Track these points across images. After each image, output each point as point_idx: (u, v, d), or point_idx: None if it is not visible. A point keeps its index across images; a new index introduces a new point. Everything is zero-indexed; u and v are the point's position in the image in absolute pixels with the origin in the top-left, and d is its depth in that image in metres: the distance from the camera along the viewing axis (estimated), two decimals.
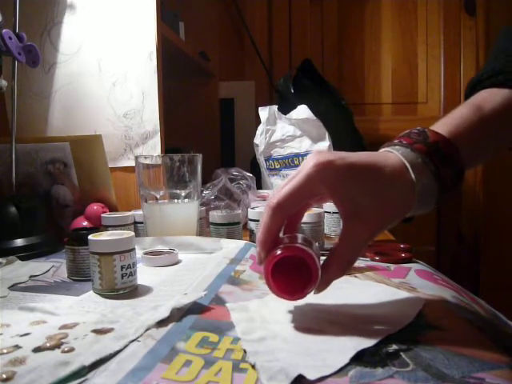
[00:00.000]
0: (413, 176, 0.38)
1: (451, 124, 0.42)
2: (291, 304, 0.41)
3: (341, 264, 0.38)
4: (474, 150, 0.42)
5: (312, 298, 0.42)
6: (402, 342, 0.33)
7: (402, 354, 0.31)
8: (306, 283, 0.36)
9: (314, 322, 0.37)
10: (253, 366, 0.30)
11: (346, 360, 0.30)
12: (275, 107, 0.95)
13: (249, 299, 0.43)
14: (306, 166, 0.37)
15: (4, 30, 0.64)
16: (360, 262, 0.56)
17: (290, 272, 0.36)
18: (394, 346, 0.32)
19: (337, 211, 0.74)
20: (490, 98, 0.46)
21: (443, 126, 0.42)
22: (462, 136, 0.41)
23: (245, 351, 0.32)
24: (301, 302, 0.41)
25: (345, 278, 0.49)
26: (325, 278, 0.37)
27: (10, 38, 0.64)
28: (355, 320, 0.37)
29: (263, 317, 0.38)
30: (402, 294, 0.43)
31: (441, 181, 0.39)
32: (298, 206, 0.39)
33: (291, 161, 0.94)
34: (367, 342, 0.32)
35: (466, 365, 0.29)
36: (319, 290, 0.38)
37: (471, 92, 0.50)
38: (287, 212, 0.38)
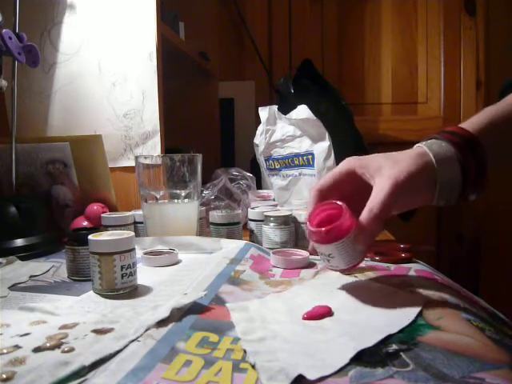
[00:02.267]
0: (433, 159, 0.43)
1: (477, 121, 0.46)
2: (291, 304, 0.41)
3: (373, 213, 0.41)
4: (497, 145, 0.46)
5: (312, 298, 0.42)
6: (401, 342, 0.33)
7: (401, 354, 0.31)
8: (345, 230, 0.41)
9: (313, 322, 0.37)
10: (253, 366, 0.30)
11: (346, 360, 0.30)
12: (275, 107, 0.95)
13: (249, 299, 0.43)
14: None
15: (4, 30, 0.64)
16: None
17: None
18: (394, 346, 0.32)
19: None
20: None
21: (469, 123, 0.46)
22: (487, 130, 0.45)
23: (245, 351, 0.32)
24: (301, 302, 0.41)
25: (345, 278, 0.49)
26: (360, 227, 0.41)
27: (10, 38, 0.64)
28: (355, 320, 0.37)
29: (263, 317, 0.38)
30: (402, 294, 0.43)
31: (463, 168, 0.42)
32: (332, 186, 0.46)
33: (291, 161, 0.94)
34: (367, 342, 0.32)
35: (466, 365, 0.29)
36: (357, 239, 0.42)
37: (503, 94, 0.52)
38: (324, 191, 0.45)
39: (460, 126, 0.46)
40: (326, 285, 0.47)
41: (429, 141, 0.46)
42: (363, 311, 0.39)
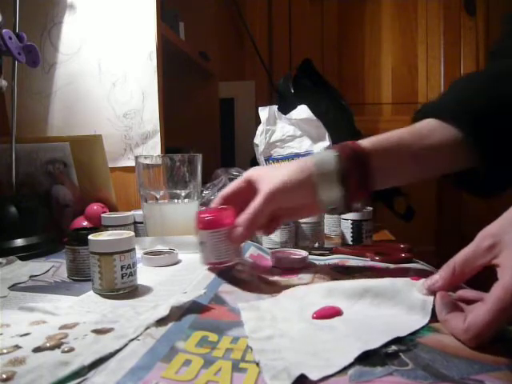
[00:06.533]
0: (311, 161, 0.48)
1: (376, 139, 0.52)
2: (302, 303, 0.41)
3: (246, 216, 0.48)
4: (386, 164, 0.50)
5: (323, 297, 0.42)
6: (401, 343, 0.33)
7: (401, 354, 0.31)
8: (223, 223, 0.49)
9: (322, 322, 0.37)
10: (257, 364, 0.30)
11: (351, 359, 0.30)
12: (275, 107, 0.95)
13: (248, 299, 0.43)
14: None
15: (4, 30, 0.64)
16: (359, 262, 0.56)
17: None
18: (394, 347, 0.32)
19: None
20: (427, 127, 0.50)
21: (368, 140, 0.52)
22: (380, 149, 0.50)
23: (251, 349, 0.32)
24: (312, 301, 0.41)
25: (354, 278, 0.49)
26: (234, 226, 0.48)
27: (10, 38, 0.64)
28: (364, 320, 0.37)
29: (273, 315, 0.38)
30: (415, 296, 0.40)
31: (343, 179, 0.47)
32: (234, 193, 0.52)
33: (291, 161, 0.94)
34: (373, 344, 0.32)
35: (465, 366, 0.29)
36: (229, 236, 0.48)
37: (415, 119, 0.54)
38: (226, 197, 0.52)
39: (361, 141, 0.51)
40: (337, 284, 0.47)
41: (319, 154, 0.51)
42: (373, 312, 0.39)
